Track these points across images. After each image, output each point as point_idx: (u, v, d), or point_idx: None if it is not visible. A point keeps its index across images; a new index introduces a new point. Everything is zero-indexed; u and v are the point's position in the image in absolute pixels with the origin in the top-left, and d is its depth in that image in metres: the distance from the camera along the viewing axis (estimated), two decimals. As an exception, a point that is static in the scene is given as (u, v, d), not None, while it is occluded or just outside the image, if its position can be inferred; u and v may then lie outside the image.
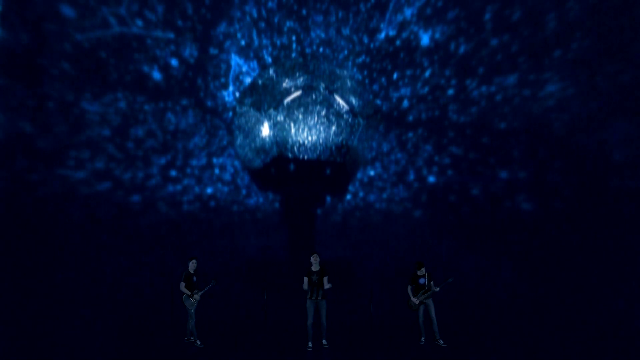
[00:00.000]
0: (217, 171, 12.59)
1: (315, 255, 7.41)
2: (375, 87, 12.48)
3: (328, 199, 12.52)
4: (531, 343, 7.69)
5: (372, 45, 12.32)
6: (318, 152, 11.08)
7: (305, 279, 7.34)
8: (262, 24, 12.20)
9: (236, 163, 12.54)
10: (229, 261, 11.79)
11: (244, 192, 12.74)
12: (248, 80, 12.19)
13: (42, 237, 10.90)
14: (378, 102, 12.40)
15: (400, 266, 10.09)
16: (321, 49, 12.42)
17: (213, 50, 12.18)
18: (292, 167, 11.22)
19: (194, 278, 7.68)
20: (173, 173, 12.25)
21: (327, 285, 7.34)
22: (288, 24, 12.24)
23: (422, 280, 7.68)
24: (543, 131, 11.53)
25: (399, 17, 12.04)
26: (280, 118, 10.96)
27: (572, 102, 11.26)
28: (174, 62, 11.98)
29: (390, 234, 12.38)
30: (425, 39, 12.08)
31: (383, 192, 12.75)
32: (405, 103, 12.45)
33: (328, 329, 7.48)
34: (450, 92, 12.19)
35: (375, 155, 12.63)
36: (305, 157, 11.09)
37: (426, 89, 12.31)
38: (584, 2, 11.03)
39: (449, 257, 11.83)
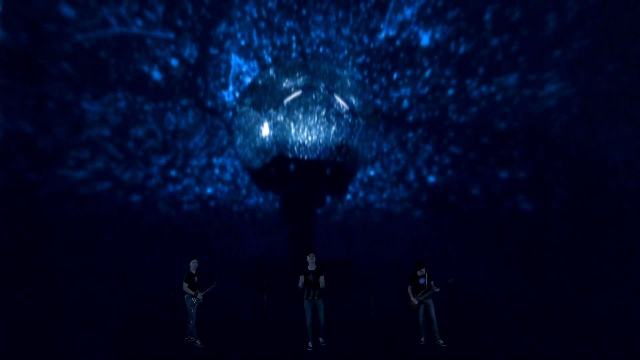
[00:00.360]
0: (217, 171, 12.58)
1: (311, 254, 7.40)
2: (375, 87, 12.48)
3: (328, 199, 12.52)
4: (531, 343, 7.69)
5: (372, 45, 12.32)
6: (318, 152, 11.07)
7: (301, 278, 7.32)
8: (262, 24, 12.20)
9: (236, 163, 12.54)
10: (229, 261, 11.79)
11: (244, 192, 12.74)
12: (248, 80, 12.19)
13: (42, 237, 10.89)
14: (378, 102, 12.41)
15: (400, 266, 10.10)
16: (321, 49, 12.42)
17: (213, 50, 12.18)
18: (292, 167, 11.22)
19: (195, 278, 7.66)
20: (173, 173, 12.25)
21: (322, 284, 7.33)
22: (288, 24, 12.24)
23: (422, 281, 7.68)
24: (543, 131, 11.53)
25: (399, 17, 12.04)
26: (280, 118, 10.96)
27: (572, 102, 11.27)
28: (174, 62, 11.97)
29: (390, 234, 12.38)
30: (425, 39, 12.08)
31: (383, 192, 12.75)
32: (405, 103, 12.45)
33: (327, 328, 7.47)
34: (450, 92, 12.19)
35: (375, 155, 12.63)
36: (305, 157, 11.08)
37: (426, 89, 12.31)
38: (584, 2, 11.03)
39: (449, 257, 11.83)
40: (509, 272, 11.23)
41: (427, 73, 12.24)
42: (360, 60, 12.42)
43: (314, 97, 10.97)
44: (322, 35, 12.32)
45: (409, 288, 7.75)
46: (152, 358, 7.02)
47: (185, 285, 7.52)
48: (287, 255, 11.86)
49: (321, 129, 11.00)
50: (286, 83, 11.14)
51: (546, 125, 11.50)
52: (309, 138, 11.00)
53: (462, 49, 11.94)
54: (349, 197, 12.80)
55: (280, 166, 11.21)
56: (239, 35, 12.18)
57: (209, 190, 12.54)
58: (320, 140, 11.03)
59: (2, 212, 10.72)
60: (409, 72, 12.31)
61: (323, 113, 10.97)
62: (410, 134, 12.55)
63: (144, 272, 11.19)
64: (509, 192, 11.86)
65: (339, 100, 11.02)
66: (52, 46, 11.02)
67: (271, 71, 11.53)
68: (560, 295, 10.19)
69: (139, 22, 11.52)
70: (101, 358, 7.01)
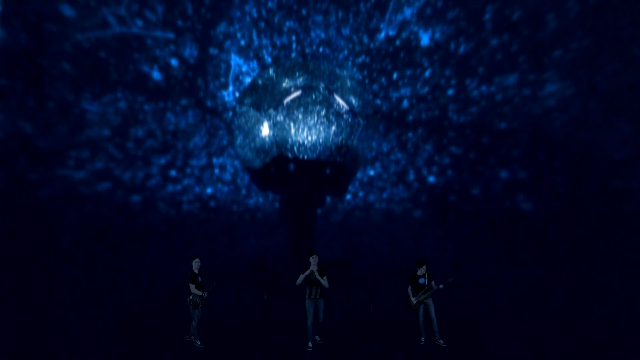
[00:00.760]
0: (217, 171, 12.59)
1: (314, 256, 7.42)
2: (375, 87, 12.48)
3: (328, 199, 12.52)
4: (532, 342, 7.69)
5: (372, 45, 12.32)
6: (318, 152, 11.07)
7: (301, 276, 7.32)
8: (262, 24, 12.20)
9: (236, 163, 12.54)
10: (229, 261, 11.78)
11: (244, 192, 12.75)
12: (248, 80, 12.19)
13: (42, 237, 10.89)
14: (378, 102, 12.41)
15: (400, 266, 10.09)
16: (321, 49, 12.42)
17: (213, 50, 12.18)
18: (292, 167, 11.22)
19: (199, 278, 7.62)
20: (173, 173, 12.26)
21: (324, 283, 7.34)
22: (288, 24, 12.24)
23: (421, 281, 7.67)
24: (543, 131, 11.53)
25: (399, 17, 12.04)
26: (280, 118, 10.95)
27: (572, 102, 11.26)
28: (174, 62, 11.97)
29: (390, 234, 12.38)
30: (425, 39, 12.08)
31: (383, 192, 12.75)
32: (405, 103, 12.46)
33: (328, 328, 7.46)
34: (450, 92, 12.19)
35: (375, 155, 12.63)
36: (305, 157, 11.08)
37: (426, 89, 12.31)
38: (584, 2, 11.03)
39: (449, 257, 11.83)
40: (509, 271, 11.23)
41: (427, 73, 12.24)
42: (360, 60, 12.42)
43: (314, 97, 10.97)
44: (322, 35, 12.32)
45: (409, 288, 7.75)
46: (152, 358, 7.02)
47: (192, 286, 7.47)
48: (287, 255, 11.86)
49: (321, 129, 10.99)
50: (286, 83, 11.14)
51: (546, 125, 11.49)
52: (309, 138, 10.99)
53: (462, 49, 11.94)
54: (349, 197, 12.80)
55: (280, 166, 11.20)
56: (239, 35, 12.18)
57: (209, 190, 12.54)
58: (320, 140, 11.02)
59: (2, 212, 10.72)
60: (409, 72, 12.31)
61: (323, 113, 10.97)
62: (410, 134, 12.55)
63: (143, 272, 11.19)
64: (509, 192, 11.86)
65: (339, 100, 11.01)
66: (52, 46, 11.02)
67: (271, 71, 11.53)
68: (561, 295, 10.19)
69: (139, 22, 11.52)
70: (101, 358, 7.01)
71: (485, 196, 12.10)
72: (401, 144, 12.61)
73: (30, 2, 10.82)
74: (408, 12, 11.98)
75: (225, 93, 12.41)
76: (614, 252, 10.44)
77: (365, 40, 12.30)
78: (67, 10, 10.99)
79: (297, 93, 11.01)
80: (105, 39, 11.33)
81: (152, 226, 11.87)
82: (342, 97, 11.12)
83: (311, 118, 10.97)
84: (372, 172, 12.74)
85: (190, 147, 12.32)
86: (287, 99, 10.99)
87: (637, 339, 7.89)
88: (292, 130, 11.00)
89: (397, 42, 12.21)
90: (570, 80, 11.22)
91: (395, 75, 12.36)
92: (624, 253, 10.34)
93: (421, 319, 7.67)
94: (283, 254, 11.94)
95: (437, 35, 11.98)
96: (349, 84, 11.56)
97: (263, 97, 11.17)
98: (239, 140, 11.72)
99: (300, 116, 10.96)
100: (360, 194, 12.78)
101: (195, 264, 7.64)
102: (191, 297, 7.53)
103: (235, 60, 12.27)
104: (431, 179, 12.51)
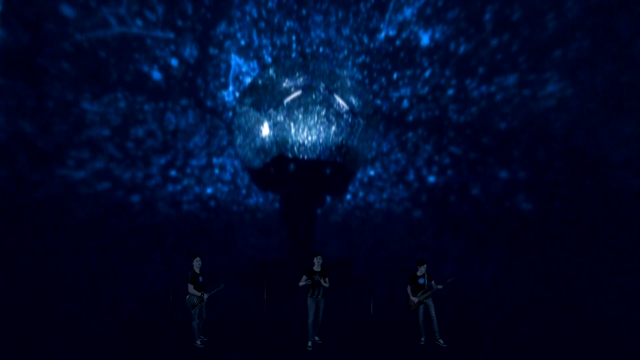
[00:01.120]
0: (217, 171, 12.59)
1: (318, 256, 7.45)
2: (375, 87, 12.48)
3: (328, 199, 12.52)
4: (532, 342, 7.69)
5: (372, 45, 12.32)
6: (318, 152, 11.07)
7: (304, 277, 7.34)
8: (262, 24, 12.20)
9: (236, 163, 12.54)
10: (229, 261, 11.78)
11: (244, 192, 12.75)
12: (248, 80, 12.19)
13: (42, 237, 10.89)
14: (378, 102, 12.41)
15: (400, 266, 10.09)
16: (321, 49, 12.42)
17: (213, 50, 12.18)
18: (292, 167, 11.22)
19: (200, 278, 7.57)
20: (173, 173, 12.26)
21: (326, 284, 7.36)
22: (288, 24, 12.25)
23: (421, 280, 7.68)
24: (543, 131, 11.53)
25: (399, 17, 12.04)
26: (280, 118, 10.96)
27: (572, 102, 11.26)
28: (174, 62, 11.98)
29: (390, 234, 12.38)
30: (425, 39, 12.09)
31: (383, 192, 12.75)
32: (405, 103, 12.46)
33: (326, 328, 7.46)
34: (450, 92, 12.19)
35: (375, 155, 12.63)
36: (305, 157, 11.08)
37: (426, 89, 12.31)
38: (584, 2, 11.03)
39: (449, 257, 11.83)
40: (509, 271, 11.23)
41: (427, 73, 12.24)
42: (360, 60, 12.42)
43: (314, 97, 10.98)
44: (322, 35, 12.32)
45: (409, 288, 7.75)
46: (151, 358, 7.02)
47: (191, 286, 7.42)
48: (287, 255, 11.87)
49: (321, 129, 11.00)
50: (286, 83, 11.14)
51: (546, 125, 11.49)
52: (309, 138, 11.00)
53: (462, 49, 11.94)
54: (349, 197, 12.80)
55: (280, 166, 11.21)
56: (239, 35, 12.18)
57: (209, 190, 12.54)
58: (320, 140, 11.03)
59: (3, 212, 10.71)
60: (409, 72, 12.31)
61: (323, 113, 10.97)
62: (410, 134, 12.55)
63: (143, 272, 11.19)
64: (509, 192, 11.86)
65: (339, 100, 11.02)
66: (52, 46, 11.02)
67: (271, 71, 11.53)
68: (561, 295, 10.19)
69: (139, 22, 11.53)
70: (101, 358, 7.01)
71: (485, 196, 12.10)
72: (401, 144, 12.61)
73: (30, 2, 10.82)
74: (408, 12, 11.98)
75: (225, 93, 12.41)
76: (614, 252, 10.44)
77: (366, 40, 12.31)
78: (67, 10, 10.99)
79: (297, 93, 11.01)
80: (105, 39, 11.34)
81: (152, 226, 11.87)
82: (342, 97, 11.12)
83: (311, 118, 10.97)
84: (372, 172, 12.74)
85: (190, 147, 12.32)
86: (287, 99, 11.00)
87: (638, 338, 7.89)
88: (292, 130, 11.01)
89: (397, 42, 12.21)
90: (570, 80, 11.23)
91: (395, 76, 12.36)
92: (624, 253, 10.34)
93: (421, 319, 7.68)
94: (283, 254, 11.94)
95: (437, 35, 11.98)
96: (349, 84, 11.57)
97: (263, 97, 11.17)
98: (239, 140, 11.72)
99: (300, 116, 10.96)
100: (360, 194, 12.78)
101: (196, 263, 7.59)
102: (188, 297, 7.51)
103: (235, 60, 12.27)
104: (431, 179, 12.52)
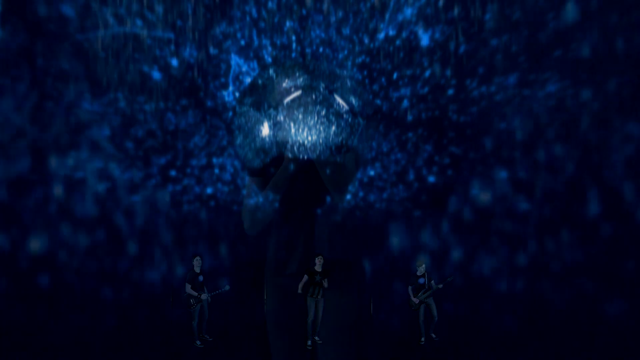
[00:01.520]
0: (217, 171, 12.58)
1: (320, 257, 7.48)
2: (375, 87, 12.46)
3: (328, 199, 12.51)
4: (532, 342, 7.69)
5: (372, 45, 12.31)
6: (318, 152, 11.06)
7: (305, 277, 7.36)
8: (262, 24, 12.19)
9: (236, 163, 12.52)
10: (229, 261, 11.77)
11: (244, 192, 12.73)
12: (248, 80, 12.18)
13: (42, 237, 10.87)
14: (378, 102, 12.40)
15: (400, 266, 10.09)
16: (321, 49, 12.41)
17: (213, 50, 12.17)
18: (292, 167, 11.21)
19: (200, 278, 7.55)
20: (173, 173, 12.25)
21: (326, 285, 7.38)
22: (288, 24, 12.23)
23: (421, 280, 7.68)
24: (543, 131, 11.52)
25: (399, 17, 12.03)
26: (280, 118, 10.95)
27: (572, 102, 11.26)
28: (174, 62, 11.97)
29: (390, 234, 12.37)
30: (425, 39, 12.07)
31: (383, 192, 12.74)
32: (405, 103, 12.44)
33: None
34: (450, 92, 12.17)
35: (375, 155, 12.61)
36: (305, 157, 11.07)
37: (426, 89, 12.30)
38: (584, 2, 11.02)
39: (449, 257, 11.82)
40: (509, 272, 11.22)
41: (427, 73, 12.22)
42: (360, 60, 12.40)
43: (314, 97, 10.96)
44: (322, 35, 12.31)
45: (409, 288, 7.75)
46: (151, 358, 7.02)
47: (188, 286, 7.41)
48: (287, 255, 11.83)
49: (321, 129, 10.98)
50: (286, 83, 11.13)
51: (546, 125, 11.49)
52: (309, 138, 10.98)
53: (462, 49, 11.93)
54: (349, 197, 12.78)
55: (280, 166, 11.18)
56: (239, 35, 12.17)
57: (209, 190, 12.53)
58: (320, 140, 11.01)
59: (2, 212, 10.71)
60: (409, 72, 12.29)
61: (323, 113, 10.96)
62: (410, 134, 12.53)
63: (143, 272, 11.18)
64: (509, 192, 11.85)
65: (339, 100, 11.01)
66: (52, 46, 11.02)
67: (271, 71, 11.52)
68: (561, 295, 10.18)
69: (139, 22, 11.52)
70: (101, 358, 7.01)
71: (486, 196, 12.09)
72: (401, 144, 12.60)
73: (30, 2, 10.82)
74: (408, 11, 11.97)
75: (225, 93, 12.40)
76: (614, 252, 10.43)
77: (366, 40, 12.29)
78: (67, 10, 10.99)
79: (297, 93, 11.00)
80: (105, 39, 11.33)
81: (152, 226, 11.86)
82: (342, 97, 11.11)
83: (311, 118, 10.96)
84: (372, 172, 12.73)
85: (190, 147, 12.31)
86: (287, 99, 10.98)
87: (638, 338, 7.88)
88: (292, 131, 10.99)
89: (398, 42, 12.20)
90: (570, 80, 11.22)
91: (395, 75, 12.35)
92: (624, 253, 10.34)
93: (421, 319, 7.69)
94: (283, 254, 11.92)
95: (437, 35, 11.97)
96: (349, 84, 11.55)
97: (263, 97, 11.16)
98: (239, 140, 11.71)
99: (300, 116, 10.95)
100: (360, 194, 12.77)
101: (197, 263, 7.60)
102: (184, 295, 7.52)
103: (235, 60, 12.26)
104: (431, 179, 12.51)
